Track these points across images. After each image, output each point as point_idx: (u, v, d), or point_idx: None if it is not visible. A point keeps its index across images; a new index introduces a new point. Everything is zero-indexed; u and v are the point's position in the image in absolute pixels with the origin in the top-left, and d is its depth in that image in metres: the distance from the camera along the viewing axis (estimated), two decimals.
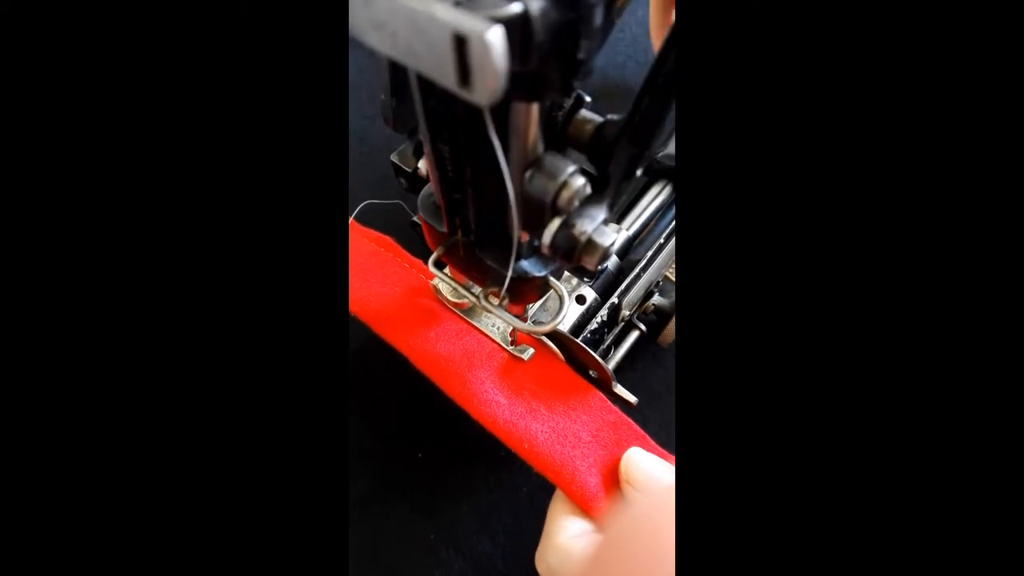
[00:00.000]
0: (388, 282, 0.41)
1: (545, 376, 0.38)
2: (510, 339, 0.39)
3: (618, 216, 0.47)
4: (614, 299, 0.41)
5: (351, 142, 0.60)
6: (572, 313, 0.41)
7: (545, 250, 0.25)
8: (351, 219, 0.45)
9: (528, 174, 0.23)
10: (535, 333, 0.30)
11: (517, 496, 0.45)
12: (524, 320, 0.32)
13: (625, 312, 0.42)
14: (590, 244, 0.24)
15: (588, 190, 0.23)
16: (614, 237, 0.25)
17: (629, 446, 0.36)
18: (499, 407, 0.36)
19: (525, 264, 0.28)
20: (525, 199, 0.23)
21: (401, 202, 0.46)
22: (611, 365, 0.44)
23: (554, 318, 0.29)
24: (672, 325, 0.46)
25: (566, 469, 0.34)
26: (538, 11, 0.15)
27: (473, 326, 0.40)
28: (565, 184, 0.22)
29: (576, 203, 0.23)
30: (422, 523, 0.44)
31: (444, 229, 0.28)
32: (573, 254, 0.25)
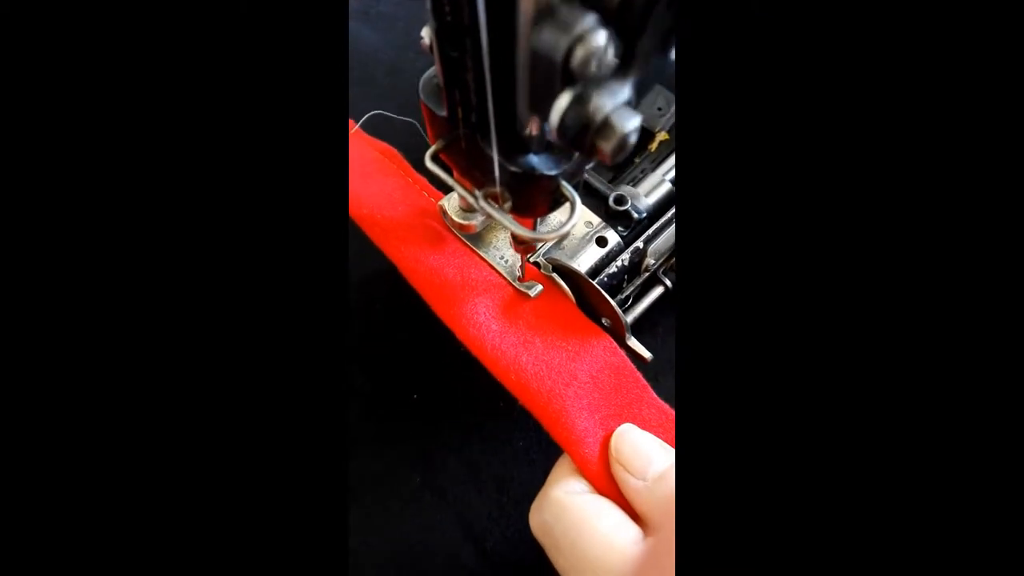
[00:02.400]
0: (390, 192, 0.37)
1: (550, 314, 0.35)
2: (518, 274, 0.35)
3: (656, 164, 0.43)
4: (639, 243, 0.37)
5: (380, 72, 0.57)
6: (590, 255, 0.37)
7: (553, 134, 0.21)
8: (357, 127, 0.42)
9: (537, 27, 0.19)
10: (537, 239, 0.27)
11: (511, 450, 0.41)
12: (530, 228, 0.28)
13: (650, 261, 0.38)
14: (606, 126, 0.20)
15: (611, 56, 0.19)
16: (637, 122, 0.21)
17: (630, 395, 0.32)
18: (489, 332, 0.33)
19: (534, 159, 0.24)
20: (533, 60, 0.19)
21: (414, 121, 0.42)
22: (629, 319, 0.40)
23: (564, 224, 0.25)
24: None
25: (553, 406, 0.31)
26: None
27: (480, 256, 0.36)
28: (580, 39, 0.18)
29: (594, 68, 0.19)
30: (409, 467, 0.41)
31: (444, 112, 0.25)
32: (585, 139, 0.21)
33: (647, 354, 0.36)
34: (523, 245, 0.31)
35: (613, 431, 0.30)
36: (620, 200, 0.37)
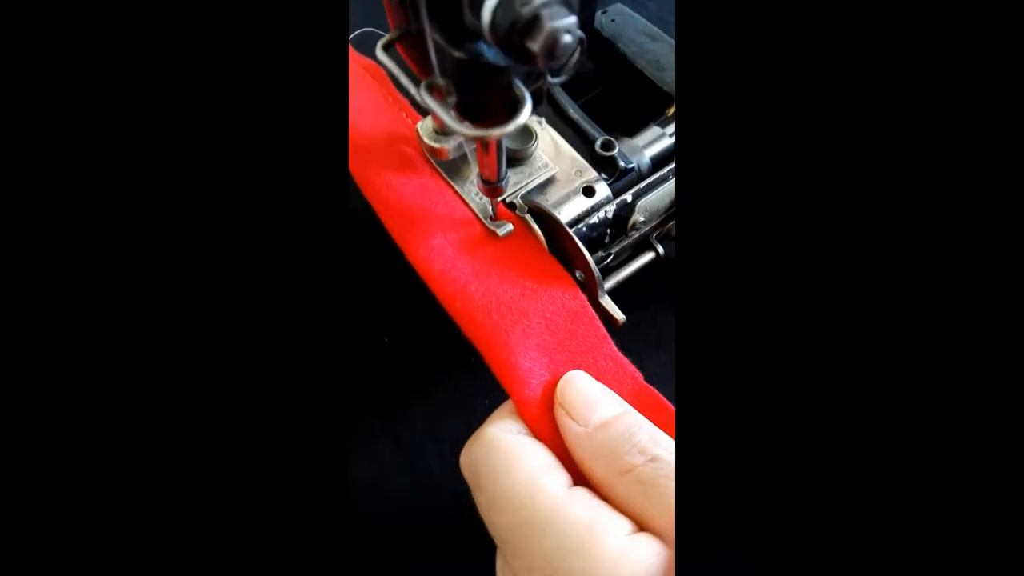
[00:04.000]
0: (364, 107, 0.35)
1: (516, 256, 0.32)
2: (490, 213, 0.33)
3: (663, 121, 0.39)
4: (627, 196, 0.34)
5: None
6: (575, 205, 0.34)
7: (486, 33, 0.19)
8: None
9: None
10: (474, 137, 0.24)
11: (474, 408, 0.39)
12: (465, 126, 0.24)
13: (639, 218, 0.35)
14: (534, 23, 0.18)
15: None
16: (572, 22, 0.18)
17: (586, 344, 0.29)
18: (440, 256, 0.31)
19: (483, 47, 0.21)
20: None
21: None
22: (612, 281, 0.37)
23: (508, 122, 0.22)
24: None
25: (496, 340, 0.28)
26: None
27: (453, 189, 0.34)
28: None
29: None
30: (367, 411, 0.40)
31: None
32: (512, 36, 0.18)
33: (619, 315, 0.33)
34: (488, 185, 0.29)
35: (561, 376, 0.28)
36: (607, 145, 0.34)
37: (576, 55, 0.25)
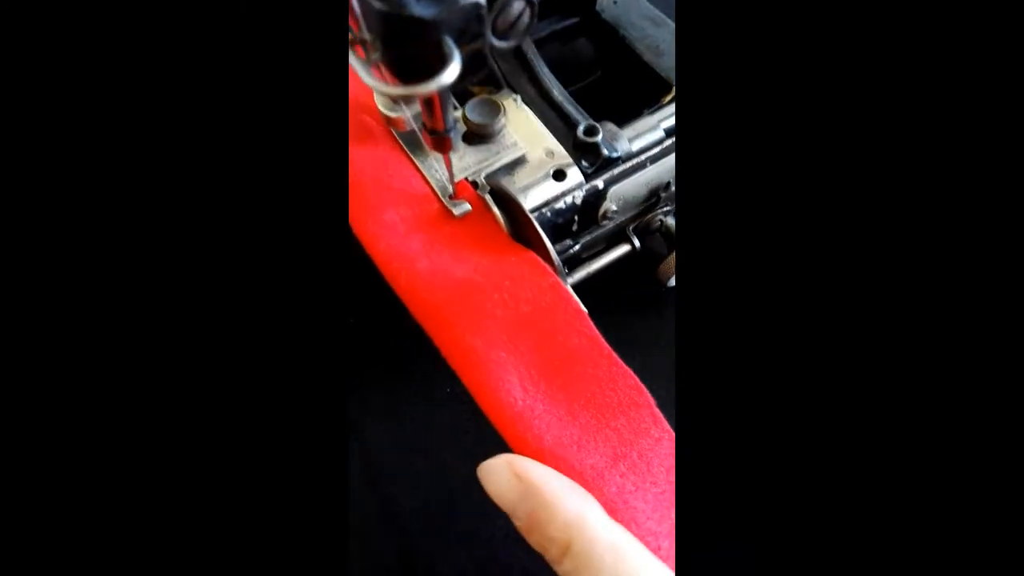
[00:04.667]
0: None
1: (473, 235, 0.30)
2: (449, 192, 0.31)
3: (657, 108, 0.37)
4: (598, 182, 0.32)
5: None
6: (544, 190, 0.32)
7: None
8: None
9: None
10: (394, 96, 0.22)
11: (432, 392, 0.37)
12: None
13: (611, 207, 0.32)
14: None
15: None
16: None
17: (560, 318, 0.27)
18: (390, 232, 0.29)
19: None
20: None
21: None
22: (580, 274, 0.35)
23: (432, 79, 0.20)
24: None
25: (442, 313, 0.26)
26: None
27: (412, 163, 0.32)
28: None
29: None
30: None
31: None
32: None
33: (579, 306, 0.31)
34: (435, 136, 0.27)
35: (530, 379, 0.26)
36: (591, 131, 0.32)
37: (525, 18, 0.23)
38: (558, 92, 0.36)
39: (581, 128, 0.32)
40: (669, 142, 0.33)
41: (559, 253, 0.33)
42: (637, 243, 0.35)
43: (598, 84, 0.47)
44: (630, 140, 0.34)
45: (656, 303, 0.41)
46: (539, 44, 0.46)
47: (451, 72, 0.20)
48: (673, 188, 0.34)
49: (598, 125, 0.32)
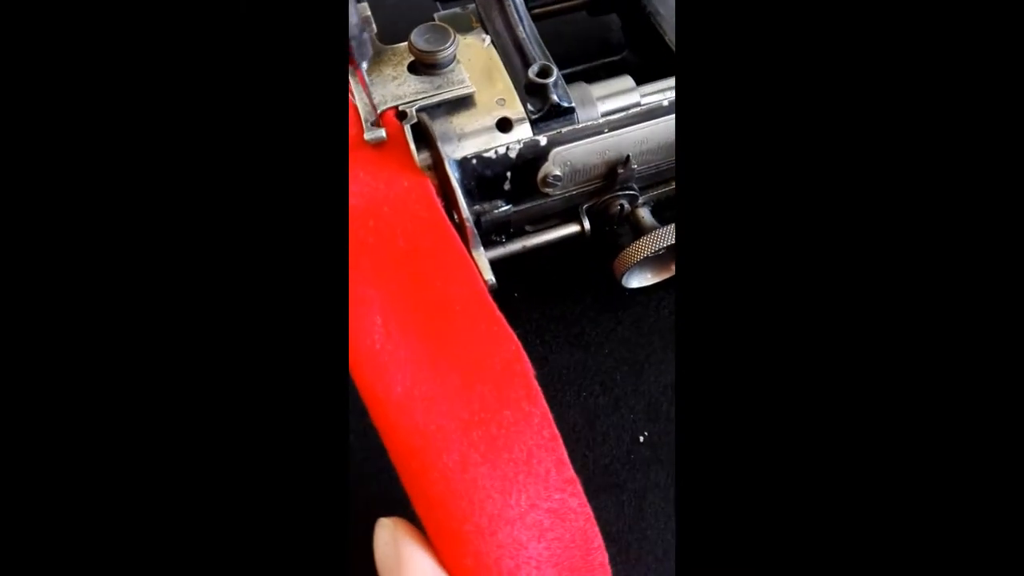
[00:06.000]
0: None
1: (378, 164, 0.27)
2: (373, 118, 0.28)
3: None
4: (541, 138, 0.28)
5: None
6: (481, 140, 0.28)
7: None
8: None
9: None
10: None
11: None
12: None
13: (554, 171, 0.28)
14: None
15: None
16: None
17: (441, 261, 0.24)
18: None
19: None
20: None
21: None
22: (510, 248, 0.31)
23: None
24: (636, 248, 0.31)
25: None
26: None
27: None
28: None
29: None
30: None
31: None
32: None
33: (488, 276, 0.27)
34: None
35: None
36: (544, 72, 0.28)
37: None
38: (526, 27, 0.31)
39: (534, 68, 0.28)
40: (636, 110, 0.28)
41: (486, 212, 0.29)
42: (587, 225, 0.31)
43: (623, 65, 0.43)
44: (600, 100, 0.30)
45: (614, 302, 0.36)
46: (565, 14, 0.42)
47: None
48: (635, 165, 0.29)
49: (554, 68, 0.28)
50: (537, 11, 0.41)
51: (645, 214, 0.33)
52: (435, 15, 0.34)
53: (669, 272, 0.34)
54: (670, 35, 0.37)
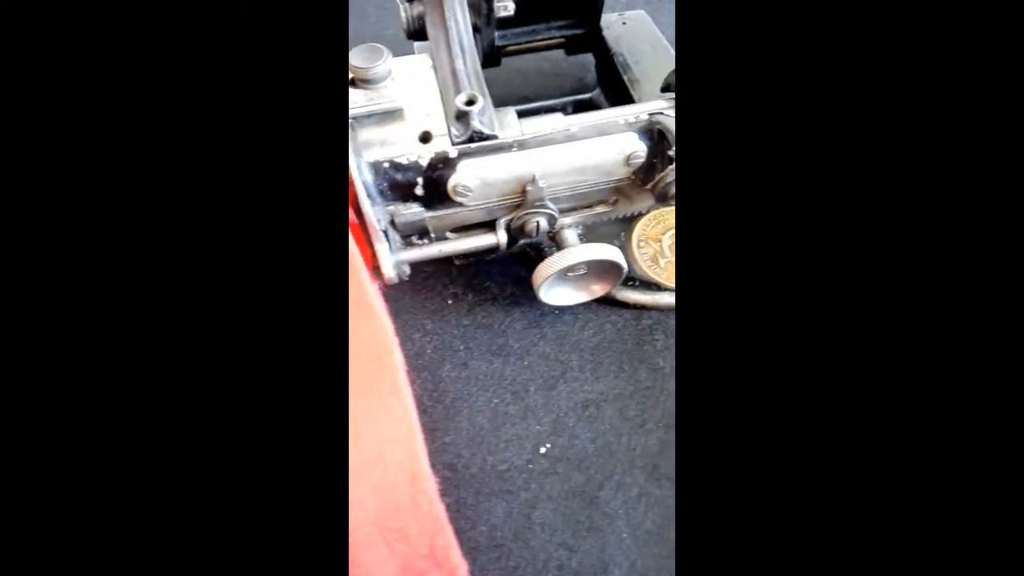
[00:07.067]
0: None
1: None
2: None
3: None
4: (450, 152, 0.30)
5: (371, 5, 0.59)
6: (399, 148, 0.30)
7: None
8: None
9: None
10: None
11: None
12: None
13: (463, 181, 0.30)
14: None
15: None
16: None
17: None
18: None
19: None
20: None
21: None
22: (421, 252, 0.33)
23: None
24: (547, 265, 0.32)
25: None
26: None
27: None
28: None
29: None
30: None
31: None
32: None
33: (389, 272, 0.29)
34: None
35: None
36: (471, 101, 0.30)
37: None
38: (467, 60, 0.34)
39: (462, 96, 0.31)
40: (546, 134, 0.30)
41: (400, 214, 0.31)
42: (503, 238, 0.33)
43: (590, 102, 0.45)
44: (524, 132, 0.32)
45: (541, 319, 0.37)
46: (542, 51, 0.45)
47: None
48: (541, 183, 0.31)
49: (481, 97, 0.30)
50: (516, 47, 0.44)
51: (570, 234, 0.34)
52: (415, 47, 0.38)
53: (590, 293, 0.36)
54: (627, 75, 0.39)
